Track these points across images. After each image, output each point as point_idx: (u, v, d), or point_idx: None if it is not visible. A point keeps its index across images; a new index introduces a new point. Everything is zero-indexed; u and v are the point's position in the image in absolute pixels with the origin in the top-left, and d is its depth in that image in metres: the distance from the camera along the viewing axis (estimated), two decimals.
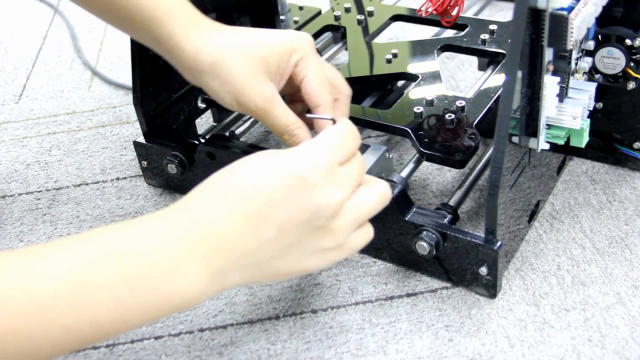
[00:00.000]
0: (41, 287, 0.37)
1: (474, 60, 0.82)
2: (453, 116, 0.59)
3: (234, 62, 0.53)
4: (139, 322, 0.40)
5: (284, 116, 0.54)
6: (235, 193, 0.42)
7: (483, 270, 0.53)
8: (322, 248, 0.45)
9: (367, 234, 0.48)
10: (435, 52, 0.71)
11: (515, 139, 0.50)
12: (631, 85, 0.60)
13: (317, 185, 0.43)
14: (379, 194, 0.47)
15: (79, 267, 0.38)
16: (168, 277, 0.40)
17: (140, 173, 0.73)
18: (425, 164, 0.70)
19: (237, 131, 0.69)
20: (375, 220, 0.57)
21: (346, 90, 0.58)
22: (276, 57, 0.54)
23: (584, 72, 0.54)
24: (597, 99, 0.61)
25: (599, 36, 0.59)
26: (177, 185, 0.70)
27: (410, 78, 0.68)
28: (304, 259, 0.45)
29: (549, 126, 0.52)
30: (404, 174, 0.60)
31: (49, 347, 0.37)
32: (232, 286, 0.43)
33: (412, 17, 0.79)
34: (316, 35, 0.78)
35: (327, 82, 0.56)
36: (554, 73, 0.49)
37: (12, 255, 0.38)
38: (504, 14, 0.98)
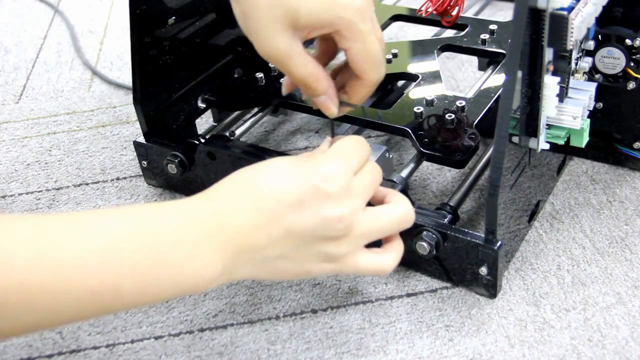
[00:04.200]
0: (72, 249, 0.38)
1: (474, 60, 0.82)
2: (453, 116, 0.59)
3: (258, 5, 0.47)
4: (155, 297, 0.41)
5: (300, 69, 0.49)
6: (252, 189, 0.44)
7: (483, 270, 0.53)
8: (327, 255, 0.46)
9: (381, 263, 0.48)
10: (435, 52, 0.71)
11: (515, 139, 0.50)
12: (631, 85, 0.60)
13: (329, 195, 0.44)
14: (396, 215, 0.48)
15: (108, 236, 0.40)
16: (187, 258, 0.41)
17: (140, 173, 0.73)
18: (425, 164, 0.70)
19: (237, 131, 0.69)
20: None
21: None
22: (310, 18, 0.47)
23: (584, 72, 0.54)
24: (597, 99, 0.61)
25: (599, 36, 0.59)
26: (177, 185, 0.70)
27: (410, 78, 0.68)
28: (308, 263, 0.46)
29: (549, 126, 0.52)
30: (404, 174, 0.60)
31: (74, 309, 0.39)
32: (239, 278, 0.45)
33: (412, 17, 0.79)
34: None
35: (372, 58, 0.49)
36: (554, 73, 0.49)
37: (48, 218, 0.40)
38: (504, 14, 0.98)
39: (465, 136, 0.58)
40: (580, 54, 0.53)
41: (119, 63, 0.96)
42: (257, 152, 0.62)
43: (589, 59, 0.54)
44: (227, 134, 0.68)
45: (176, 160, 0.65)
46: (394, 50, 0.71)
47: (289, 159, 0.46)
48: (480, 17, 0.80)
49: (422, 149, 0.57)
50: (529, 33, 0.46)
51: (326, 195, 0.44)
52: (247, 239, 0.43)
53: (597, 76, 0.61)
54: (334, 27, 0.48)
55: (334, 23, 0.47)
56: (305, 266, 0.46)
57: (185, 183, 0.68)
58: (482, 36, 0.71)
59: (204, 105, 0.71)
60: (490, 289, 0.55)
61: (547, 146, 0.52)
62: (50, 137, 0.81)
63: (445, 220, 0.55)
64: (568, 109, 0.51)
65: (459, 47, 0.72)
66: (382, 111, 0.63)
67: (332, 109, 0.52)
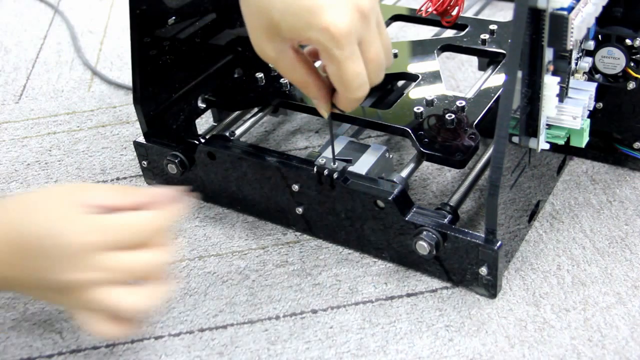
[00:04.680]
0: None
1: (474, 60, 0.82)
2: (453, 116, 0.59)
3: (249, 10, 0.48)
4: None
5: (288, 74, 0.51)
6: (14, 225, 0.45)
7: (483, 270, 0.53)
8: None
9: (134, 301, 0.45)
10: (435, 52, 0.71)
11: (515, 139, 0.50)
12: (631, 85, 0.60)
13: (52, 259, 0.44)
14: (133, 295, 0.45)
15: None
16: None
17: (140, 173, 0.73)
18: (425, 164, 0.70)
19: (237, 131, 0.69)
20: (375, 220, 0.57)
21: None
22: (290, 33, 0.47)
23: (584, 72, 0.54)
24: (597, 99, 0.61)
25: (599, 36, 0.59)
26: (177, 186, 0.69)
27: (410, 78, 0.68)
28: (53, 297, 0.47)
29: (549, 126, 0.52)
30: (404, 174, 0.60)
31: None
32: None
33: (412, 17, 0.79)
34: None
35: (345, 83, 0.48)
36: (554, 73, 0.49)
37: None
38: (504, 14, 0.98)
39: (465, 136, 0.58)
40: (580, 54, 0.53)
41: (119, 63, 0.97)
42: (257, 152, 0.62)
43: (589, 59, 0.54)
44: (227, 134, 0.68)
45: (176, 160, 0.65)
46: (394, 50, 0.71)
47: (60, 202, 0.45)
48: (480, 17, 0.80)
49: (422, 149, 0.57)
50: (529, 33, 0.46)
51: (47, 257, 0.43)
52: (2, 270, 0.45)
53: (597, 76, 0.61)
54: (312, 44, 0.48)
55: (311, 42, 0.47)
56: (57, 300, 0.46)
57: (185, 183, 0.68)
58: (482, 36, 0.71)
59: (204, 105, 0.71)
60: (490, 289, 0.55)
61: (547, 146, 0.52)
62: (50, 137, 0.81)
63: (445, 220, 0.55)
64: (568, 109, 0.51)
65: (459, 47, 0.72)
66: (382, 111, 0.63)
67: (322, 113, 0.53)
